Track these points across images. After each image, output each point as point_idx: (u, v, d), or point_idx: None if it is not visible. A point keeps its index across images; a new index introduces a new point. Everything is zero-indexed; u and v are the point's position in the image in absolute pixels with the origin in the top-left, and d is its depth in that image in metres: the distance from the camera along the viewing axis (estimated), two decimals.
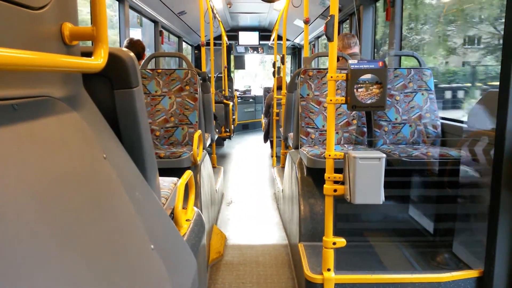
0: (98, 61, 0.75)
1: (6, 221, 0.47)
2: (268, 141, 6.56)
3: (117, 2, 4.14)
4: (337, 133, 2.83)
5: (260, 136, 6.75)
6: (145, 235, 0.85)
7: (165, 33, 6.18)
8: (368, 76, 1.72)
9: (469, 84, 3.92)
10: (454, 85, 3.97)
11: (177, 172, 1.90)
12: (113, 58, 0.91)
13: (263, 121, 6.67)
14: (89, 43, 0.82)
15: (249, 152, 7.13)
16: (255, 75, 15.36)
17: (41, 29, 0.68)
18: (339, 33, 4.40)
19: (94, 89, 0.92)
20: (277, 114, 5.14)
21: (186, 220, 1.40)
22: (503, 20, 1.63)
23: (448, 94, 3.93)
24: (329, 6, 1.70)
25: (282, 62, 4.75)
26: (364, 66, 1.72)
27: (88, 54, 0.78)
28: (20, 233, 0.49)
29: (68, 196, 0.62)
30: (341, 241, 1.80)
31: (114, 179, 0.81)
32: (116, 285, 0.67)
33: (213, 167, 4.20)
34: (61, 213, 0.59)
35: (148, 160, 1.06)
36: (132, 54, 0.98)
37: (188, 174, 1.46)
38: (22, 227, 0.49)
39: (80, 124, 0.76)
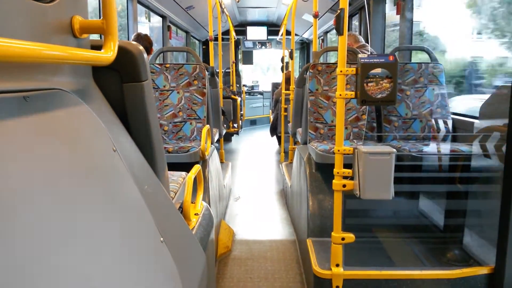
0: (108, 54, 0.75)
1: (18, 212, 0.48)
2: (276, 137, 6.55)
3: None
4: (346, 128, 2.81)
5: (268, 131, 6.74)
6: (155, 227, 0.85)
7: (173, 28, 6.18)
8: (378, 70, 1.70)
9: None
10: None
11: (185, 167, 1.90)
12: (123, 52, 0.91)
13: (272, 116, 6.66)
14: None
15: (257, 148, 7.13)
16: (267, 69, 14.70)
17: (52, 22, 0.68)
18: (349, 28, 4.35)
19: (103, 82, 0.92)
20: (286, 110, 5.12)
21: (195, 214, 1.40)
22: None
23: None
24: (338, 0, 1.68)
25: (291, 57, 4.72)
26: (375, 60, 1.70)
27: (97, 47, 0.78)
28: (31, 224, 0.49)
29: (78, 188, 0.63)
30: (350, 237, 1.79)
31: (123, 172, 0.81)
32: (126, 276, 0.67)
33: (221, 162, 4.20)
34: (71, 204, 0.59)
35: (157, 153, 1.07)
36: (141, 47, 0.98)
37: (196, 168, 1.46)
38: (32, 218, 0.50)
39: (90, 116, 0.76)
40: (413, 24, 3.77)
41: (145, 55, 0.99)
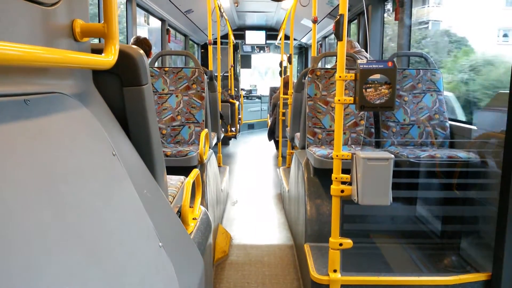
0: (109, 58, 0.75)
1: (16, 216, 0.47)
2: (273, 141, 6.54)
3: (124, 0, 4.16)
4: (344, 133, 2.81)
5: (266, 136, 6.74)
6: (153, 232, 0.85)
7: (172, 31, 6.19)
8: (377, 76, 1.71)
9: None
10: None
11: (183, 171, 1.90)
12: (123, 56, 0.90)
13: (269, 120, 6.67)
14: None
15: (255, 152, 7.12)
16: (265, 73, 14.51)
17: (53, 26, 0.68)
18: (348, 33, 4.38)
19: (103, 86, 0.92)
20: (284, 114, 5.12)
21: (193, 219, 1.40)
22: None
23: None
24: (337, 6, 1.69)
25: (289, 61, 4.73)
26: (374, 66, 1.71)
27: (98, 51, 0.78)
28: (29, 227, 0.49)
29: (77, 191, 0.62)
30: (348, 242, 1.78)
31: (122, 176, 0.80)
32: (125, 281, 0.66)
33: (219, 166, 4.20)
34: (70, 208, 0.59)
35: (156, 157, 1.06)
36: (141, 51, 0.98)
37: (195, 172, 1.46)
38: (31, 222, 0.49)
39: (90, 120, 0.76)
40: (411, 30, 3.79)
41: (146, 59, 0.99)
